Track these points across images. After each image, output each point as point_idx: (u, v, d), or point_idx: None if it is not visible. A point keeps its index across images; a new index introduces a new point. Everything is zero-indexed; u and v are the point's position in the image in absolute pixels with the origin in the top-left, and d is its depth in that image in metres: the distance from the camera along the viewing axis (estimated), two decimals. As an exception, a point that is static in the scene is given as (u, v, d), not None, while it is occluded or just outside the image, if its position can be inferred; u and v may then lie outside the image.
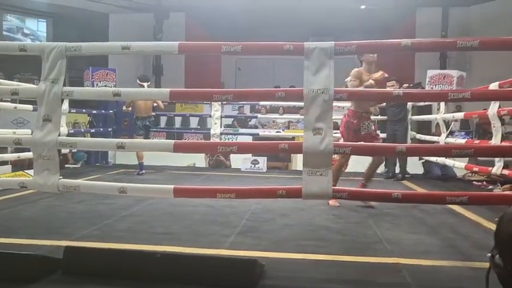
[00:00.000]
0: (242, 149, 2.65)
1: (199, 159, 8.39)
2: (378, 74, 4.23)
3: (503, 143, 4.26)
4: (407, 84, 7.56)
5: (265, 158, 7.24)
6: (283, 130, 8.82)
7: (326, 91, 2.46)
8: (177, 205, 4.00)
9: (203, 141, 7.63)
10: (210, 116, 7.90)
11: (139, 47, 2.62)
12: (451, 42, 2.56)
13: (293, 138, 7.95)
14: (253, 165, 7.17)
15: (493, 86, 4.04)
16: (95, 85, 7.63)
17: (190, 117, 11.23)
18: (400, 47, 2.53)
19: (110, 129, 8.03)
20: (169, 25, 12.54)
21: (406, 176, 6.67)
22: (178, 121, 11.74)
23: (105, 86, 7.72)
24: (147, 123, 6.87)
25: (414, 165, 6.99)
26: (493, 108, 4.11)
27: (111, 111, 8.07)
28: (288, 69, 12.38)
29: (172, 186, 2.58)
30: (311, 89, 2.48)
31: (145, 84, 6.82)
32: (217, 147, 2.68)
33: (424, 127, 7.68)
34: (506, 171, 4.10)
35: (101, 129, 8.06)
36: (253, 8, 11.92)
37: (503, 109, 4.30)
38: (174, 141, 2.59)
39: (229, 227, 3.41)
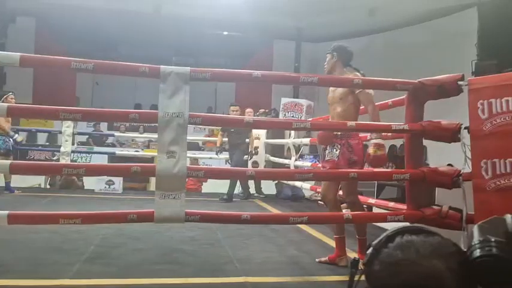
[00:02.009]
0: (91, 171, 2.51)
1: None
2: None
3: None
4: (263, 110, 8.08)
5: (121, 178, 6.93)
6: (142, 149, 8.60)
7: (181, 115, 2.50)
8: (14, 232, 3.55)
9: (45, 162, 6.99)
10: (61, 133, 7.30)
11: (-31, 54, 2.31)
12: (295, 77, 2.85)
13: (152, 158, 7.81)
14: (108, 186, 6.79)
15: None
16: None
17: (38, 133, 10.19)
18: (252, 78, 2.71)
19: None
20: (15, 30, 11.29)
21: (261, 196, 7.08)
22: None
23: None
24: None
25: (269, 186, 7.45)
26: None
27: None
28: (151, 87, 12.14)
29: (6, 212, 2.30)
30: (166, 112, 2.49)
31: None
32: (62, 169, 2.48)
33: (278, 150, 8.25)
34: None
35: None
36: (114, 24, 11.49)
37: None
38: (10, 161, 2.33)
39: (75, 254, 3.16)
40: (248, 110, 7.26)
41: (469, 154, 2.59)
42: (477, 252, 0.79)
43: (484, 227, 0.84)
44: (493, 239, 0.80)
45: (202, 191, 7.97)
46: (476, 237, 0.82)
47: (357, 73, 3.14)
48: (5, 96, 5.95)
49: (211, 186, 7.79)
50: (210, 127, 10.49)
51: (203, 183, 8.12)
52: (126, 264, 3.00)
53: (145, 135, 9.75)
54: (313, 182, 5.79)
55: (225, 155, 6.97)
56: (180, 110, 2.50)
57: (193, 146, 10.03)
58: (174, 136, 2.49)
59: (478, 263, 0.78)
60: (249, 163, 7.32)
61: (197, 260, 3.21)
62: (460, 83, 2.69)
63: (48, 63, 2.50)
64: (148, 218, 2.45)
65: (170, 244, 3.64)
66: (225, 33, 13.17)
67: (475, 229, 0.84)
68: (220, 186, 7.35)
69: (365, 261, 0.83)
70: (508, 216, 0.85)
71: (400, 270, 0.76)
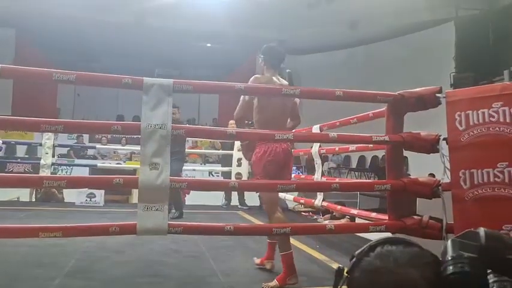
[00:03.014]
0: (72, 183, 2.47)
1: (24, 193, 7.49)
2: None
3: (323, 178, 4.86)
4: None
5: (103, 191, 6.83)
6: (124, 162, 8.51)
7: (163, 126, 2.50)
8: (-10, 246, 3.48)
9: (26, 174, 6.85)
10: (41, 145, 7.18)
11: None
12: (277, 89, 2.87)
13: (135, 170, 7.73)
14: (89, 199, 6.69)
15: (315, 128, 4.62)
16: None
17: (17, 145, 10.00)
18: (235, 90, 2.73)
19: None
20: (-5, 41, 11.17)
21: (244, 208, 7.07)
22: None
23: None
24: None
25: (252, 198, 7.44)
26: (315, 147, 4.68)
27: None
28: (133, 98, 12.05)
29: (-17, 226, 2.26)
30: (149, 124, 2.49)
31: None
32: (42, 181, 2.45)
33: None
34: (325, 203, 4.66)
35: None
36: (97, 35, 11.42)
37: (323, 148, 4.93)
38: (-11, 174, 2.29)
39: (56, 268, 3.10)
40: (231, 121, 7.25)
41: (448, 165, 2.64)
42: (450, 269, 0.82)
43: (457, 242, 0.87)
44: (465, 255, 0.83)
45: (185, 203, 7.90)
46: (450, 253, 0.84)
47: (282, 79, 3.07)
48: None
49: (194, 198, 7.75)
50: (193, 138, 10.45)
51: (186, 195, 8.06)
52: (109, 277, 2.96)
53: (127, 147, 9.65)
54: (296, 193, 5.83)
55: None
56: (163, 121, 2.50)
57: (176, 158, 9.98)
58: (157, 148, 2.49)
59: (451, 280, 0.82)
60: (233, 175, 7.30)
61: (180, 272, 3.19)
62: (438, 95, 2.76)
63: (30, 75, 2.47)
64: (130, 230, 2.43)
65: (153, 257, 3.60)
66: (208, 45, 13.23)
67: (449, 244, 0.87)
68: (203, 198, 7.31)
69: (348, 270, 0.87)
70: (481, 230, 0.88)
71: (379, 278, 0.80)
